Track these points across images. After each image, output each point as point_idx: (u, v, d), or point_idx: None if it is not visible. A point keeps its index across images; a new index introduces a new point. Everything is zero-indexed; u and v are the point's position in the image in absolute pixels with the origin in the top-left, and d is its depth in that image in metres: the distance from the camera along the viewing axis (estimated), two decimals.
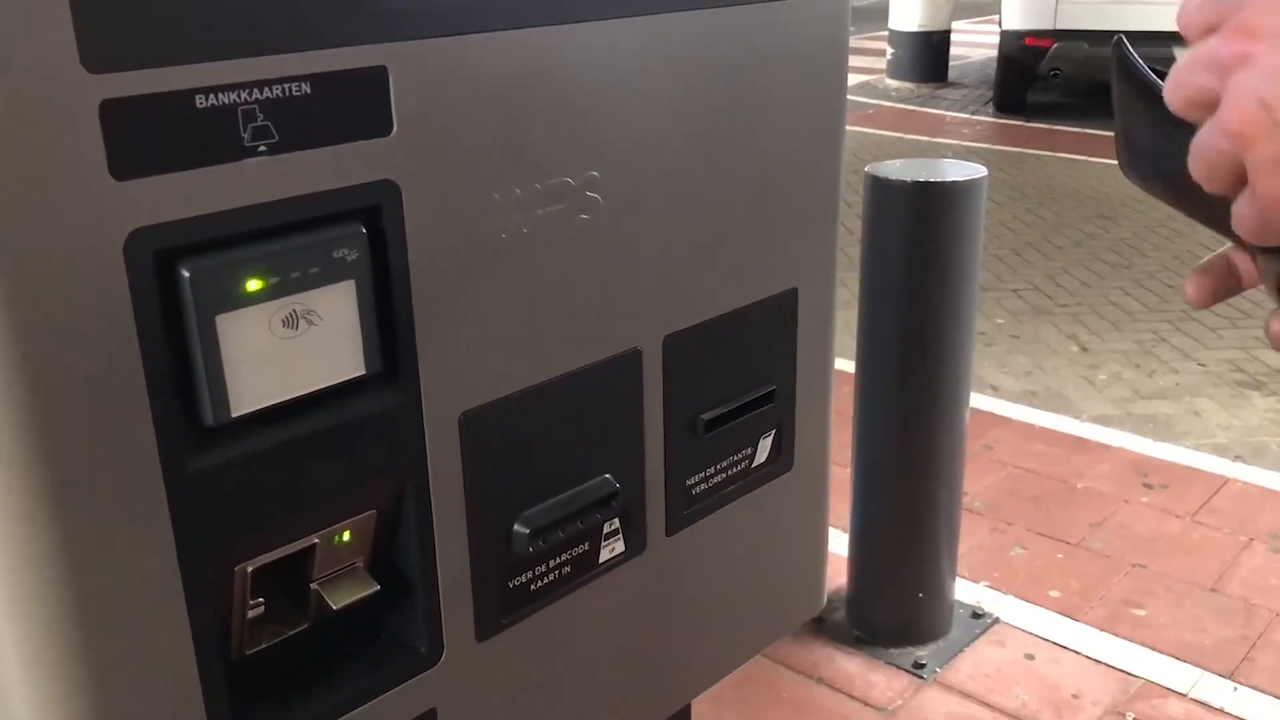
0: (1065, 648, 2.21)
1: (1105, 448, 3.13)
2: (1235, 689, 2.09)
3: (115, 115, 0.64)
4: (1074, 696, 2.08)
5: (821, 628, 2.27)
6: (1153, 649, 2.20)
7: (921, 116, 8.49)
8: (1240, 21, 0.46)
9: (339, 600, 0.83)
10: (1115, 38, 0.59)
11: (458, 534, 0.88)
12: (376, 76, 0.75)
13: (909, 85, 9.64)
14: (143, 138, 0.65)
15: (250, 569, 0.77)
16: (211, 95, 0.68)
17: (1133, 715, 2.03)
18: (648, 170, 0.95)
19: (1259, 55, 0.45)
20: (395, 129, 0.77)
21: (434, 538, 0.87)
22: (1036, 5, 7.90)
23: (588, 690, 1.04)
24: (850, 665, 2.18)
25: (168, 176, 0.67)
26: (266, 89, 0.70)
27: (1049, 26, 7.84)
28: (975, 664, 2.18)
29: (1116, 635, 2.25)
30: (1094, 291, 4.72)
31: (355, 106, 0.74)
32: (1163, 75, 0.52)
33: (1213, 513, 2.72)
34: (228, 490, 0.74)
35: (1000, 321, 4.39)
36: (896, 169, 2.12)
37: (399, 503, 0.85)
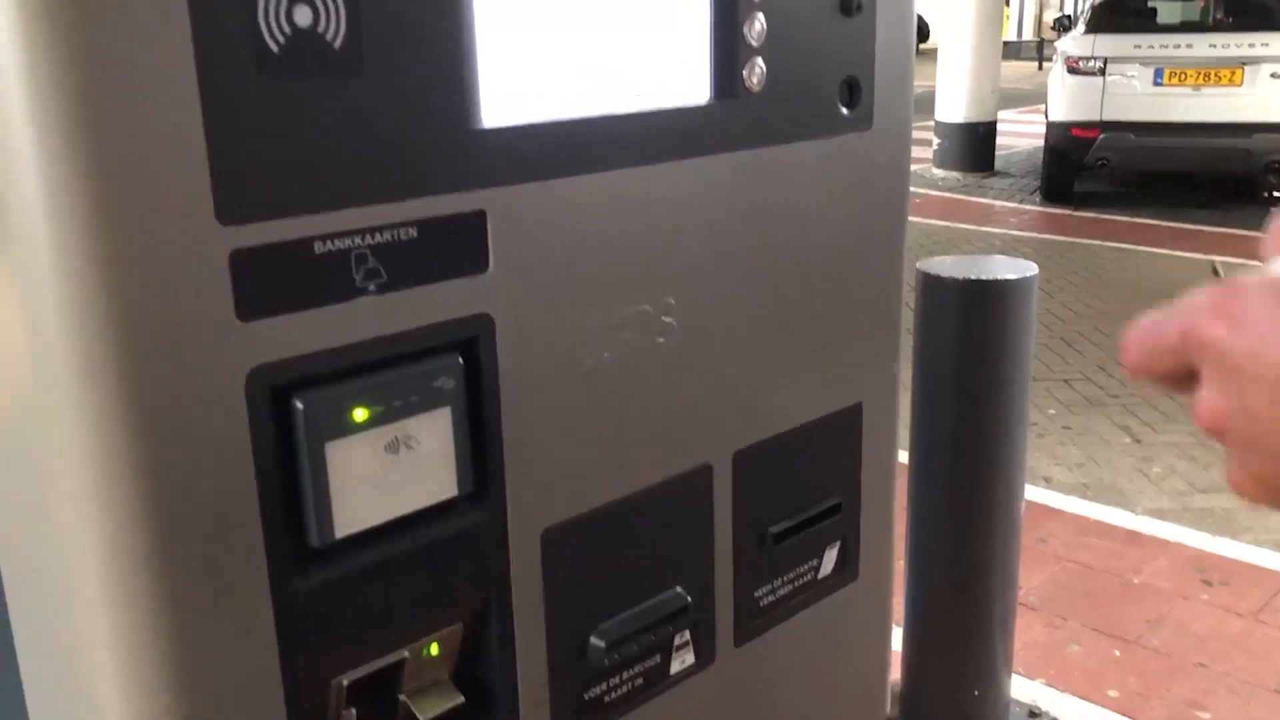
0: None
1: (1162, 542, 3.10)
2: None
3: (243, 262, 0.70)
4: None
5: None
6: None
7: (969, 205, 8.55)
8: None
9: (426, 712, 0.86)
10: None
11: (538, 646, 0.92)
12: (476, 220, 0.81)
13: (956, 174, 9.72)
14: (266, 282, 0.71)
15: (345, 681, 0.81)
16: (329, 241, 0.73)
17: None
18: (719, 294, 1.00)
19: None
20: (491, 266, 0.82)
21: (515, 650, 0.90)
22: (1083, 97, 7.99)
23: None
24: None
25: (286, 317, 0.72)
26: (378, 234, 0.76)
27: (1095, 118, 7.91)
28: None
29: None
30: (1147, 382, 4.70)
31: (456, 247, 0.80)
32: None
33: (1276, 612, 2.68)
34: (328, 607, 0.78)
35: (1052, 412, 4.38)
36: (948, 266, 2.16)
37: (483, 616, 0.88)
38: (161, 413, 0.68)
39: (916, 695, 2.24)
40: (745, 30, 0.94)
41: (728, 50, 0.94)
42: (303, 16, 0.69)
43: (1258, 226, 0.54)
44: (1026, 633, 2.57)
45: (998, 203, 8.71)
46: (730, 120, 0.96)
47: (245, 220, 0.69)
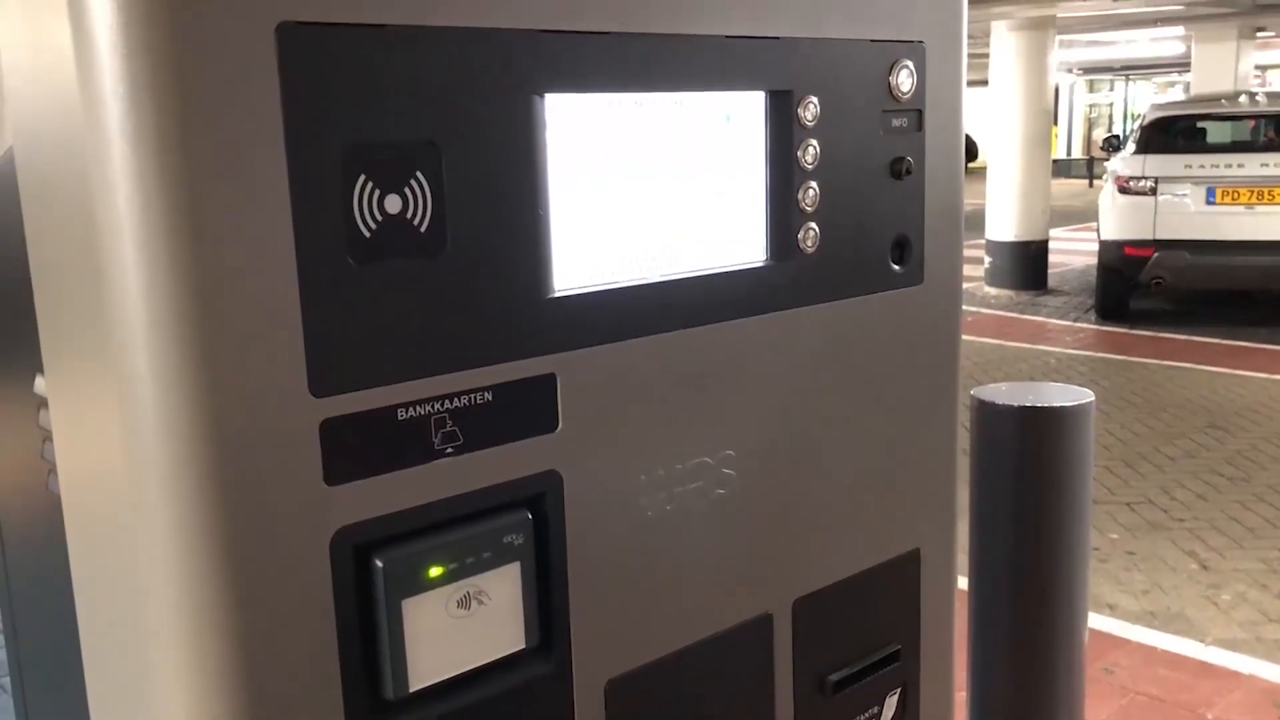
0: None
1: (1235, 674, 3.01)
2: None
3: (332, 431, 0.75)
4: None
5: None
6: None
7: (1022, 324, 8.55)
8: None
9: None
10: None
11: None
12: (547, 383, 0.85)
13: (1008, 292, 9.74)
14: (352, 448, 0.76)
15: None
16: (411, 408, 0.78)
17: None
18: (778, 446, 1.03)
19: None
20: (560, 425, 0.87)
21: None
22: (1135, 216, 8.03)
23: None
24: None
25: (369, 480, 0.77)
26: (456, 400, 0.80)
27: (1149, 236, 7.94)
28: None
29: None
30: (1211, 506, 4.60)
31: (528, 409, 0.85)
32: None
33: None
34: None
35: (1114, 536, 4.30)
36: (1003, 393, 2.17)
37: None
38: (252, 569, 0.73)
39: None
40: (799, 197, 1.00)
41: (782, 216, 1.00)
42: (393, 204, 0.76)
43: None
44: None
45: (1052, 320, 8.69)
46: (785, 280, 1.01)
47: (335, 392, 0.74)
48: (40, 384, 0.94)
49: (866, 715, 1.16)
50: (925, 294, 1.13)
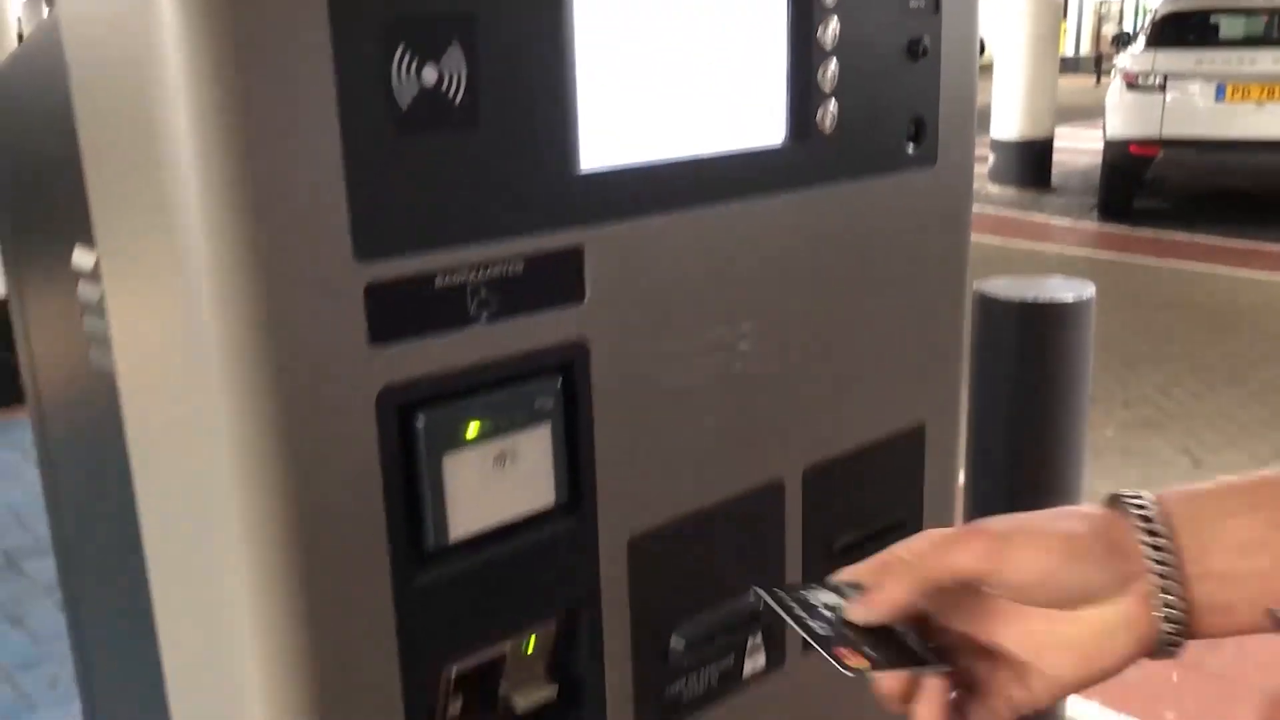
0: None
1: None
2: None
3: (375, 294, 0.79)
4: None
5: None
6: None
7: (1025, 222, 8.53)
8: None
9: (522, 704, 0.94)
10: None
11: (623, 644, 0.99)
12: (574, 255, 0.89)
13: (1011, 190, 9.69)
14: (394, 311, 0.80)
15: (453, 673, 0.90)
16: (448, 275, 0.82)
17: None
18: (793, 320, 1.07)
19: None
20: (587, 297, 0.91)
21: (603, 648, 0.98)
22: (1142, 113, 7.93)
23: None
24: None
25: (410, 342, 0.81)
26: (489, 269, 0.84)
27: (1155, 134, 7.86)
28: None
29: None
30: (1207, 404, 4.67)
31: (557, 280, 0.88)
32: None
33: None
34: (441, 604, 0.86)
35: (1109, 434, 4.38)
36: (1004, 287, 2.19)
37: (575, 615, 0.96)
38: (304, 427, 0.77)
39: None
40: (819, 76, 1.02)
41: (802, 94, 1.02)
42: (430, 76, 0.78)
43: None
44: None
45: (1054, 220, 8.67)
46: (803, 159, 1.04)
47: (378, 257, 0.78)
48: (79, 257, 0.98)
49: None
50: (938, 175, 1.16)
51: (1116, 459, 4.13)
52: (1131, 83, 8.05)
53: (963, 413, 1.27)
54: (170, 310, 0.79)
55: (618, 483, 0.96)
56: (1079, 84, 20.61)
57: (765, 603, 0.72)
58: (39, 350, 1.19)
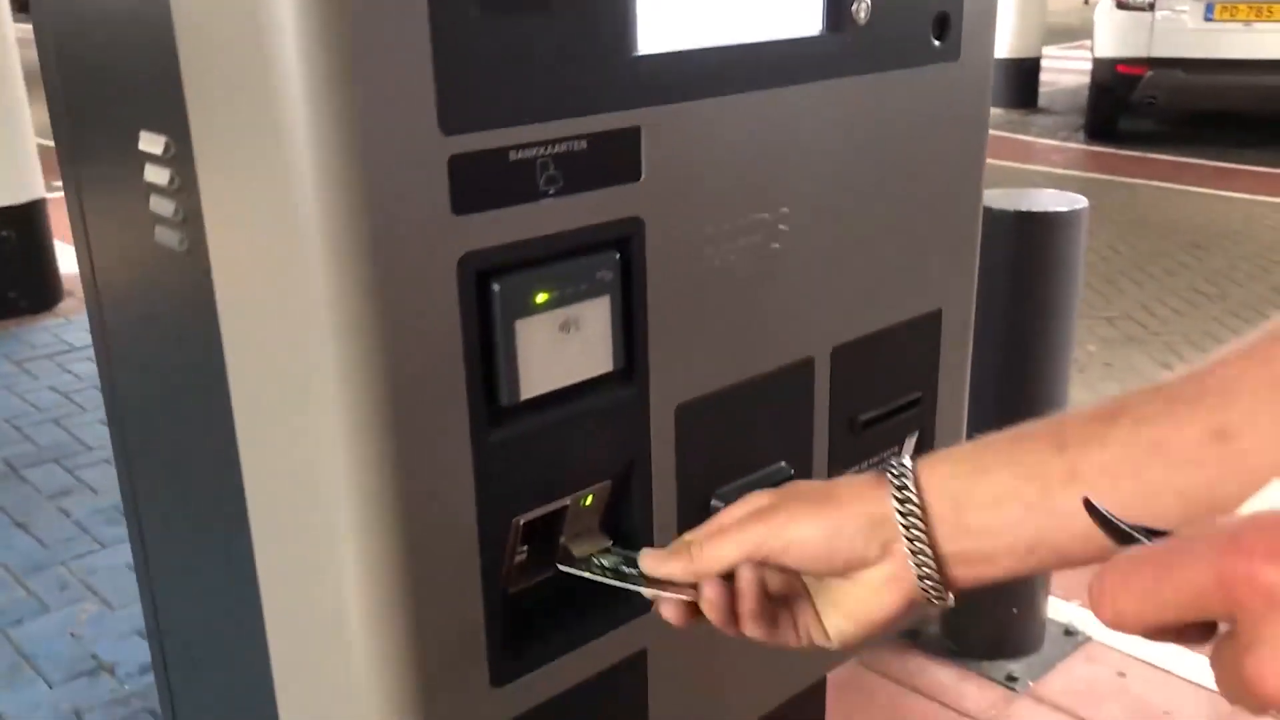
0: (1157, 667, 2.25)
1: None
2: None
3: (458, 166, 0.85)
4: (1166, 714, 2.12)
5: (916, 640, 2.34)
6: None
7: (1011, 143, 8.55)
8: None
9: (581, 552, 1.02)
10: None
11: (670, 503, 1.08)
12: (633, 135, 0.95)
13: (998, 110, 9.69)
14: (474, 183, 0.86)
15: (521, 522, 0.98)
16: (520, 151, 0.88)
17: None
18: (825, 205, 1.14)
19: None
20: (644, 176, 0.97)
21: (652, 505, 1.06)
22: (1130, 32, 7.91)
23: (752, 649, 1.22)
24: (944, 676, 2.25)
25: (487, 213, 0.88)
26: (557, 145, 0.90)
27: (1143, 54, 7.85)
28: (1067, 680, 2.23)
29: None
30: (1188, 321, 4.77)
31: (617, 158, 0.95)
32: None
33: None
34: (513, 457, 0.94)
35: (1092, 349, 4.48)
36: (997, 198, 2.25)
37: (628, 474, 1.04)
38: (394, 290, 0.84)
39: (956, 611, 2.37)
40: None
41: None
42: None
43: None
44: None
45: (1040, 140, 8.70)
46: (838, 50, 1.10)
47: (460, 131, 0.84)
48: (145, 139, 1.03)
49: (888, 453, 1.31)
50: (961, 69, 1.22)
51: (1099, 372, 4.24)
52: (1121, 2, 8.02)
53: (974, 299, 1.35)
54: (268, 184, 0.84)
55: (668, 354, 1.04)
56: (1068, 3, 20.45)
57: (575, 575, 0.93)
58: (95, 235, 1.24)
